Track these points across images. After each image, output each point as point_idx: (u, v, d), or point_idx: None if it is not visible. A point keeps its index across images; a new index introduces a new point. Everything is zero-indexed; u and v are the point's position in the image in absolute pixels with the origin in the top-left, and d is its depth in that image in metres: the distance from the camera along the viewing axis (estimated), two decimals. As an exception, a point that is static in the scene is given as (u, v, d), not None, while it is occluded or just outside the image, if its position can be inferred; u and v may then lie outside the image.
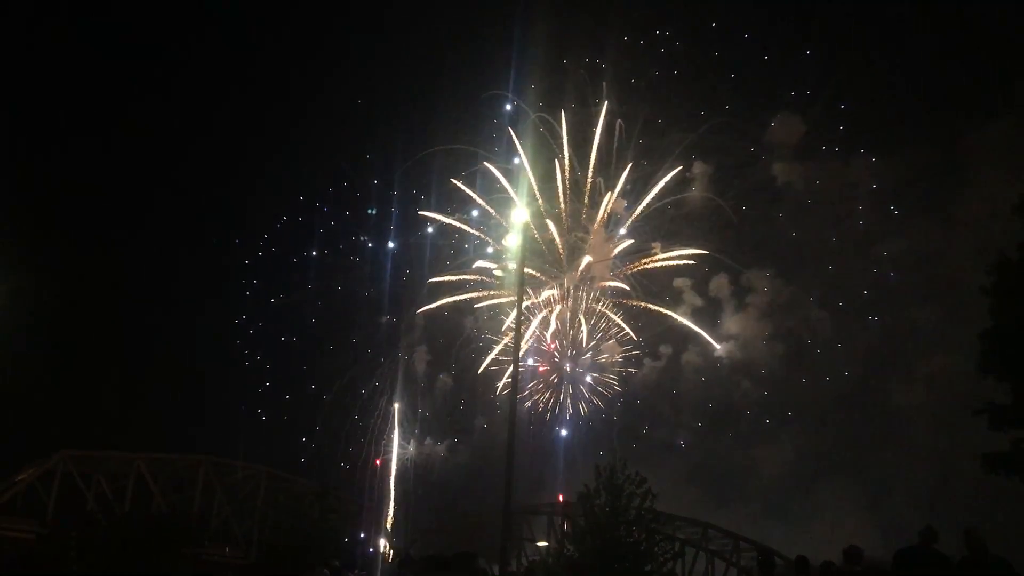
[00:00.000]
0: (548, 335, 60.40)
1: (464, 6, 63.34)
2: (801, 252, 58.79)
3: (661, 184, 58.17)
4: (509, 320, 57.70)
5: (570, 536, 27.04)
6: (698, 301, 58.56)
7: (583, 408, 60.03)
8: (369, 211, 66.62)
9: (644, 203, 58.93)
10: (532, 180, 59.48)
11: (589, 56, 61.24)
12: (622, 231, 60.14)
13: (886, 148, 55.31)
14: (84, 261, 63.64)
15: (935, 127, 54.21)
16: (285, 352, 65.27)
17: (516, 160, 60.03)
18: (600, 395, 60.00)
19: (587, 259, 59.08)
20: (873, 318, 57.35)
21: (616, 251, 59.44)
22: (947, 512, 36.67)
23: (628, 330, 59.04)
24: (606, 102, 59.19)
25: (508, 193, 59.41)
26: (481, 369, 60.08)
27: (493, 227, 60.39)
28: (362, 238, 66.35)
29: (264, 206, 68.13)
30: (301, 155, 77.14)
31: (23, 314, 45.41)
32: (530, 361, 59.79)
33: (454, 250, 62.86)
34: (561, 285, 60.30)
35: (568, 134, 59.37)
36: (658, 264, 58.37)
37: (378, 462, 58.15)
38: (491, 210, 59.95)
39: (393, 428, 59.81)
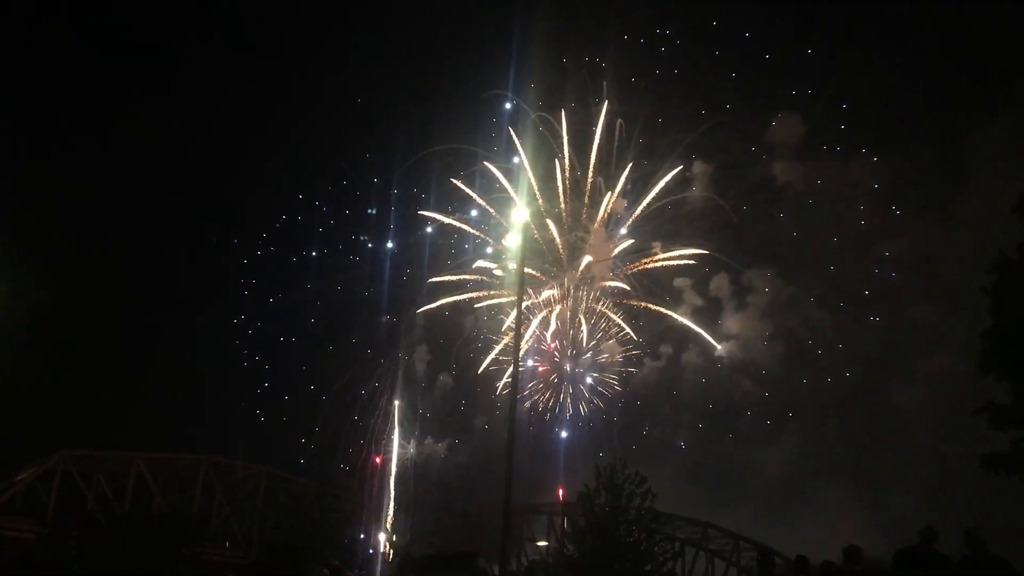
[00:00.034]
0: (548, 335, 60.47)
1: (464, 6, 63.48)
2: (801, 252, 58.84)
3: (661, 184, 58.19)
4: (509, 320, 57.72)
5: (570, 536, 27.06)
6: (698, 301, 58.64)
7: (583, 408, 60.12)
8: (369, 211, 66.67)
9: (644, 203, 58.98)
10: (532, 179, 59.56)
11: (589, 55, 61.34)
12: (622, 231, 60.18)
13: (887, 148, 55.38)
14: (84, 261, 63.87)
15: (935, 127, 54.34)
16: (285, 352, 65.30)
17: (516, 159, 60.12)
18: (600, 395, 60.10)
19: (587, 259, 59.13)
20: (875, 319, 57.38)
21: (616, 251, 59.48)
22: (947, 512, 36.70)
23: (628, 330, 59.10)
24: (606, 101, 59.26)
25: (508, 193, 59.50)
26: (481, 369, 60.19)
27: (493, 227, 60.48)
28: (362, 238, 66.41)
29: (264, 206, 68.19)
30: (301, 155, 77.24)
31: (23, 314, 45.46)
32: (530, 362, 59.82)
33: (454, 250, 62.98)
34: (561, 285, 60.36)
35: (568, 134, 59.43)
36: (658, 264, 58.39)
37: (378, 459, 58.14)
38: (491, 210, 60.02)
39: (393, 428, 59.82)
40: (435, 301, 60.40)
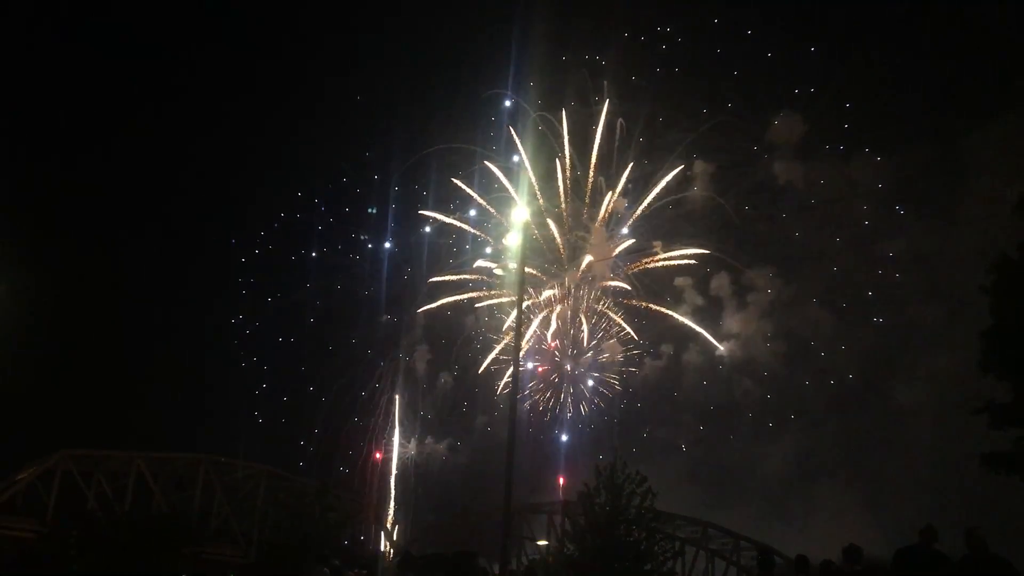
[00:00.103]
0: (549, 335, 60.46)
1: (464, 5, 63.32)
2: (803, 251, 58.89)
3: (662, 183, 58.18)
4: (509, 320, 57.71)
5: (570, 535, 27.08)
6: (699, 300, 58.65)
7: (584, 408, 60.13)
8: (369, 210, 66.64)
9: (645, 202, 58.98)
10: (532, 179, 59.57)
11: (590, 54, 61.36)
12: (623, 230, 60.18)
13: (887, 147, 55.36)
14: (84, 261, 63.77)
15: (936, 126, 54.28)
16: (284, 352, 65.25)
17: (516, 159, 60.12)
18: (601, 395, 60.11)
19: (588, 258, 59.11)
20: (878, 320, 57.34)
21: (617, 250, 59.48)
22: (948, 511, 36.71)
23: (629, 329, 59.10)
24: (607, 100, 59.29)
25: (508, 192, 59.49)
26: (481, 369, 60.20)
27: (493, 226, 60.48)
28: (362, 237, 66.39)
29: (263, 205, 68.01)
30: (300, 154, 76.96)
31: (23, 314, 45.50)
32: (529, 365, 59.81)
33: (456, 248, 63.00)
34: (562, 284, 60.35)
35: (568, 133, 59.46)
36: (659, 263, 58.38)
37: (378, 455, 58.14)
38: (491, 209, 60.03)
39: (393, 427, 59.84)
40: (435, 301, 60.49)
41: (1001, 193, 33.21)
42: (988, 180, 46.47)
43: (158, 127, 75.95)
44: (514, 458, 18.46)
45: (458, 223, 61.32)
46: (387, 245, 65.26)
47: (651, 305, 58.42)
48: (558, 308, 60.26)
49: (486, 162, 60.00)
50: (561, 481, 44.38)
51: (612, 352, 59.68)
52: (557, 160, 59.53)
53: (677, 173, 58.16)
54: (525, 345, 56.76)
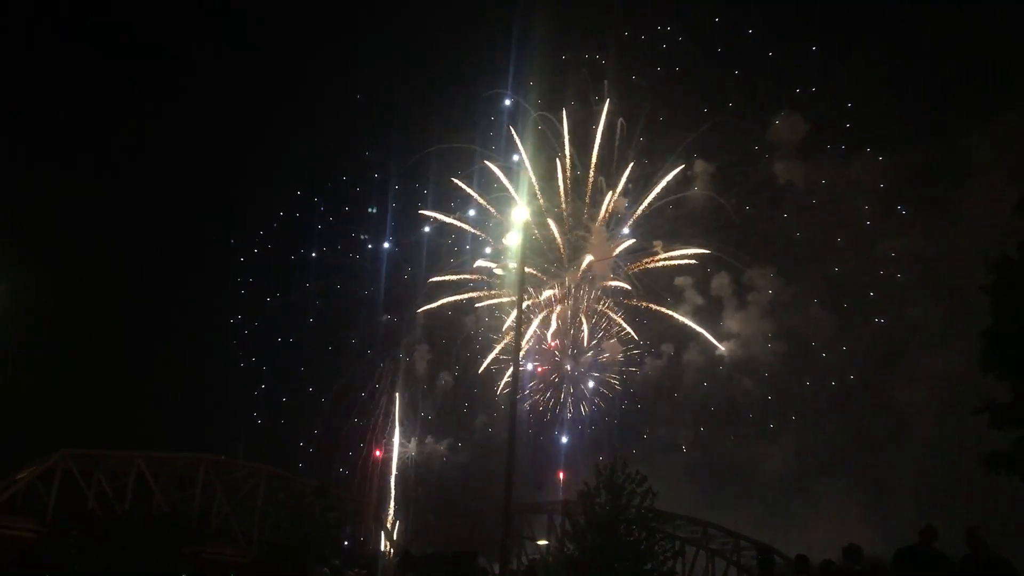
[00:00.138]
0: (549, 334, 60.44)
1: (464, 4, 63.31)
2: (803, 251, 58.79)
3: (663, 183, 58.17)
4: (510, 319, 57.68)
5: (570, 534, 27.09)
6: (700, 300, 58.57)
7: (584, 408, 60.10)
8: (369, 210, 66.62)
9: (646, 202, 58.98)
10: (532, 178, 59.55)
11: (590, 53, 61.38)
12: (623, 230, 60.16)
13: (888, 147, 55.34)
14: (84, 261, 63.75)
15: (936, 127, 54.28)
16: (284, 352, 65.26)
17: (516, 158, 60.11)
18: (601, 394, 60.09)
19: (588, 258, 59.06)
20: (879, 321, 57.27)
21: (617, 250, 59.44)
22: (948, 511, 36.67)
23: (629, 329, 59.07)
24: (607, 100, 59.28)
25: (508, 192, 59.47)
26: (481, 369, 60.18)
27: (493, 226, 60.47)
28: (362, 237, 66.39)
29: (263, 205, 67.97)
30: (300, 153, 76.98)
31: (23, 314, 45.49)
32: (529, 365, 59.77)
33: (456, 248, 63.00)
34: (562, 284, 60.34)
35: (569, 132, 59.45)
36: (659, 263, 58.35)
37: (378, 454, 58.13)
38: (491, 209, 60.02)
39: (394, 427, 59.83)
40: (435, 301, 60.46)
41: (1001, 193, 33.21)
42: (988, 180, 46.46)
43: (158, 127, 75.94)
44: (514, 458, 18.47)
45: (458, 223, 61.40)
46: (387, 245, 65.36)
47: (651, 305, 58.47)
48: (558, 308, 60.32)
49: (486, 162, 60.11)
50: (561, 476, 44.34)
51: (612, 352, 59.72)
52: (557, 160, 59.62)
53: (677, 173, 58.22)
54: (525, 345, 56.79)
